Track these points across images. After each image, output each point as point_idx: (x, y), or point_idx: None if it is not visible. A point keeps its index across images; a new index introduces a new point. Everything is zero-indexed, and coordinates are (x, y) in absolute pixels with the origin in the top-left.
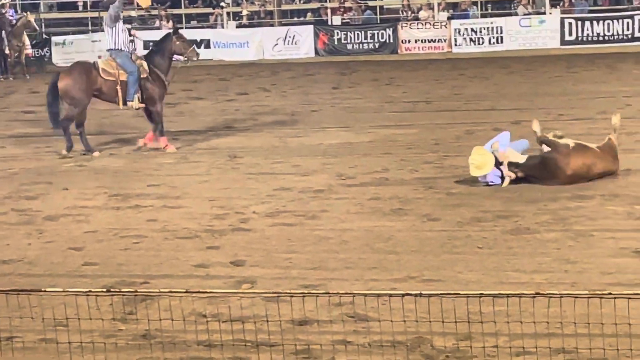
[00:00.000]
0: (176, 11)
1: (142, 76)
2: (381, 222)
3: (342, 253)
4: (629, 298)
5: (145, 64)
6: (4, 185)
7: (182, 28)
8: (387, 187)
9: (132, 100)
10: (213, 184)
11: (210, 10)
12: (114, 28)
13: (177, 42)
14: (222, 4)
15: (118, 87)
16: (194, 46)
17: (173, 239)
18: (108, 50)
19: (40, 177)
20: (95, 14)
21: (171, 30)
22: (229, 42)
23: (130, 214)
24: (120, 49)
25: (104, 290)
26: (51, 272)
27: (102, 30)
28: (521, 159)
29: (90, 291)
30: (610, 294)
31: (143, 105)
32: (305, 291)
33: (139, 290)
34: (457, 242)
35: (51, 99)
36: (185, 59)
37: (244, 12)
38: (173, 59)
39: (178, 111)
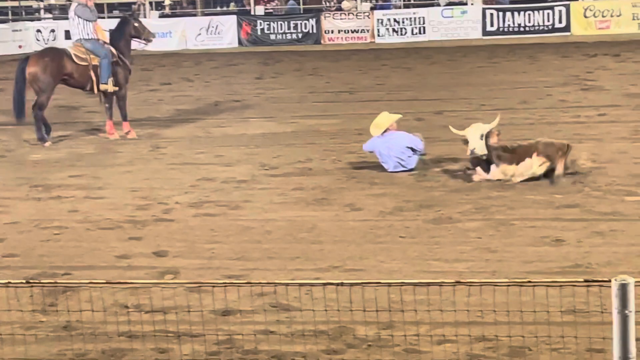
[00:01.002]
0: (98, 0)
1: (113, 60)
2: (304, 212)
3: (265, 243)
4: (548, 286)
5: (113, 49)
6: None
7: (103, 18)
8: (311, 177)
9: (107, 84)
10: (136, 174)
11: None
12: (86, 21)
13: (136, 25)
14: None
15: (91, 72)
16: (149, 29)
17: (95, 230)
18: (78, 40)
19: None
20: (16, 3)
21: (127, 14)
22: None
23: (51, 205)
24: (90, 38)
25: (24, 281)
26: None
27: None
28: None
29: (9, 282)
30: (529, 282)
31: (117, 88)
32: (228, 281)
33: (59, 281)
34: (380, 231)
35: (22, 83)
36: (144, 40)
37: (167, 2)
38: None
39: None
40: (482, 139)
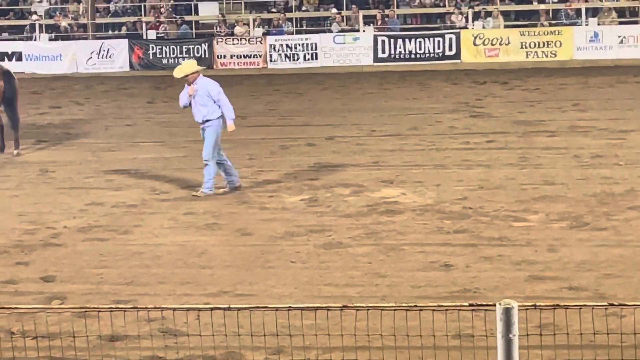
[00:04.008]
0: None
1: None
2: (195, 236)
3: (155, 268)
4: (434, 310)
5: None
6: None
7: None
8: (201, 202)
9: None
10: (23, 198)
11: (22, 22)
12: None
13: None
14: (34, 16)
15: None
16: None
17: None
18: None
19: None
20: None
21: None
22: (42, 55)
23: None
24: None
25: None
26: None
27: None
28: None
29: None
30: (415, 306)
31: None
32: (115, 307)
33: None
34: (271, 256)
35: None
36: None
37: (62, 23)
38: None
39: None
40: None
